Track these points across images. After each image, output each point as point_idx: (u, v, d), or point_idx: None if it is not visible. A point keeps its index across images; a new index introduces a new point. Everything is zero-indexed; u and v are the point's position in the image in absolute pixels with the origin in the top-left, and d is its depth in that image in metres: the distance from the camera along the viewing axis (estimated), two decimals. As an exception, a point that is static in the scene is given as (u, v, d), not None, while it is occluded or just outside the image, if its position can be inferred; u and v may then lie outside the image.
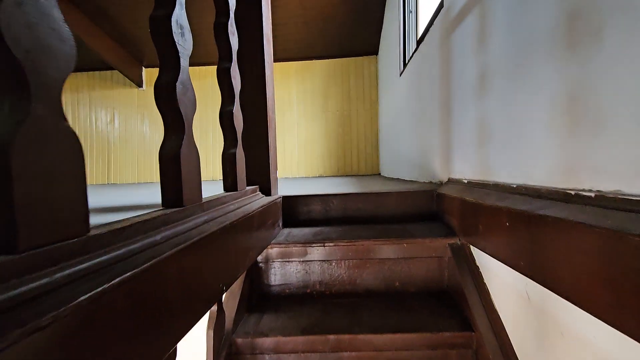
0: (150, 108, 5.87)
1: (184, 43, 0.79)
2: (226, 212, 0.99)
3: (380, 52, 5.25)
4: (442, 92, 1.92)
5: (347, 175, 5.57)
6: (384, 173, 4.92)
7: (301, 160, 5.71)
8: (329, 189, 2.41)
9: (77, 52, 0.43)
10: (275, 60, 5.65)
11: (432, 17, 2.17)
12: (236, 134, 1.23)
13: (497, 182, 1.17)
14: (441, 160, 1.98)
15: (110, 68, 5.61)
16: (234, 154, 1.21)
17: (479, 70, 1.36)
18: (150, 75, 5.87)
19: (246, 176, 1.41)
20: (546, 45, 0.88)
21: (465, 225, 1.30)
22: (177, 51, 0.75)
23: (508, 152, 1.11)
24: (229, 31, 1.19)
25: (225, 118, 1.21)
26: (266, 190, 1.62)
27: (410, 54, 3.09)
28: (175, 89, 0.75)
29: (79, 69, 5.84)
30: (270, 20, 1.75)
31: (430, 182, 2.21)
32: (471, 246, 1.35)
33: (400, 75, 3.39)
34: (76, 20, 4.37)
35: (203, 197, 0.89)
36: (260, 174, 1.64)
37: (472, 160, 1.45)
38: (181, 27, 0.78)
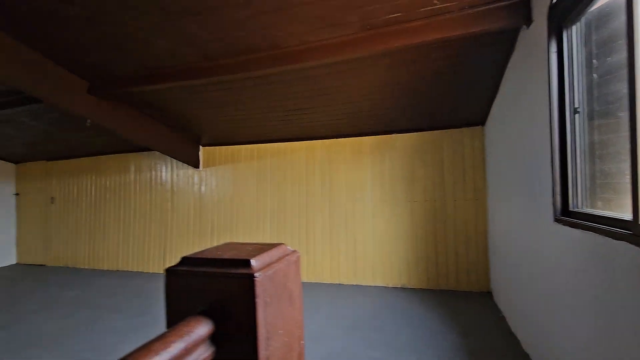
0: (209, 191, 5.24)
1: None
2: None
3: (489, 123, 3.75)
4: None
5: (440, 291, 4.05)
6: (500, 300, 3.30)
7: (377, 263, 4.38)
8: None
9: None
10: (345, 135, 4.55)
11: None
12: None
13: None
14: None
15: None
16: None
17: None
18: (207, 154, 5.28)
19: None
20: None
21: None
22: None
23: None
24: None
25: None
26: None
27: (591, 204, 1.61)
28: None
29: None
30: None
31: None
32: None
33: (555, 219, 1.90)
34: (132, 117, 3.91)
35: None
36: None
37: None
38: None
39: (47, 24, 2.64)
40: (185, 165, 5.32)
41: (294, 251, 0.72)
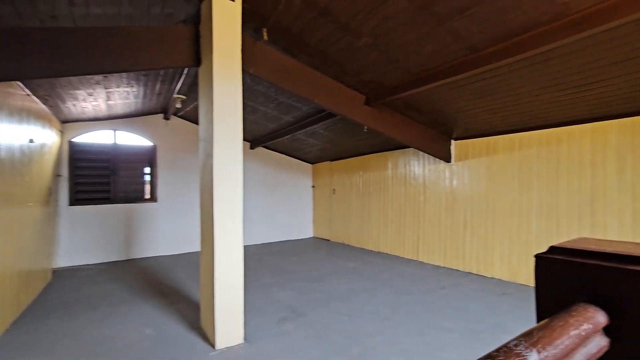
0: (461, 186, 5.22)
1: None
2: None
3: None
4: None
5: None
6: None
7: None
8: None
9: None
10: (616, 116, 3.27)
11: None
12: None
13: None
14: None
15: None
16: None
17: None
18: (459, 147, 5.23)
19: None
20: None
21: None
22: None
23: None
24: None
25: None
26: None
27: None
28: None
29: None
30: None
31: None
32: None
33: None
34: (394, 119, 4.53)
35: None
36: None
37: None
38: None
39: (341, 57, 3.46)
40: (437, 160, 5.51)
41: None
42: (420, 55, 3.13)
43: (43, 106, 4.38)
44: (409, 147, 5.94)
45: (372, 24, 2.81)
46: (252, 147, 7.64)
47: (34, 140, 3.95)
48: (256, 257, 6.36)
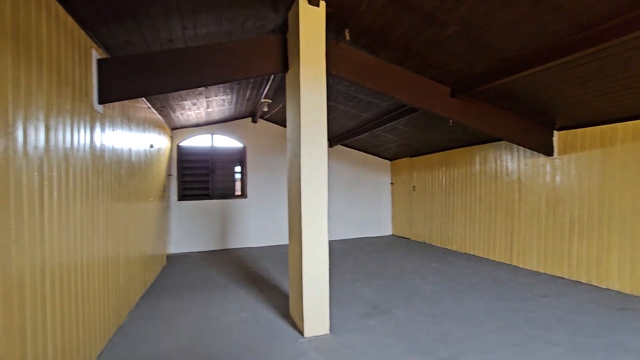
0: (566, 182, 4.59)
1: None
2: None
3: None
4: None
5: None
6: None
7: None
8: None
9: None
10: None
11: None
12: None
13: None
14: None
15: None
16: None
17: None
18: (563, 138, 4.60)
19: None
20: None
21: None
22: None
23: None
24: None
25: None
26: None
27: None
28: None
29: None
30: None
31: None
32: None
33: None
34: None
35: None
36: None
37: None
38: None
39: (424, 49, 3.33)
40: (535, 153, 4.93)
41: None
42: (517, 39, 2.85)
43: (159, 116, 5.16)
44: (500, 140, 5.44)
45: (461, 12, 2.65)
46: (330, 145, 7.83)
47: (153, 145, 4.69)
48: (337, 252, 6.53)
